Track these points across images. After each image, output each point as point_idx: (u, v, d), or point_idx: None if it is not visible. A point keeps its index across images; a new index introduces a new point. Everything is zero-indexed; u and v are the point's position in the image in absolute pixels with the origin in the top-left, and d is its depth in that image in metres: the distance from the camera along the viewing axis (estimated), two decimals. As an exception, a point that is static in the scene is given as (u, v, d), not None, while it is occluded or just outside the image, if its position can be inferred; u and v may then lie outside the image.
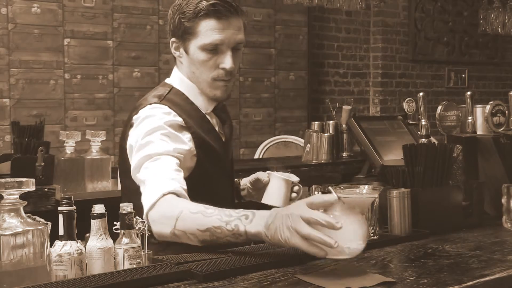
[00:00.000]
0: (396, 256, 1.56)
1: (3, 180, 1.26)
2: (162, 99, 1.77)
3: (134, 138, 1.70)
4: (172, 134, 1.68)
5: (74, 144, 2.82)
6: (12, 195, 1.26)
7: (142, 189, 1.61)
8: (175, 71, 1.87)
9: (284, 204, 1.77)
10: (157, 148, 1.64)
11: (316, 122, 3.86)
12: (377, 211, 1.66)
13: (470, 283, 1.32)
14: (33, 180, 1.29)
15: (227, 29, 1.75)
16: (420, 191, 1.82)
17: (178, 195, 1.55)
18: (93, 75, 4.43)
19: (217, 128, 1.86)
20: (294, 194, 1.84)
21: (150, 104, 1.75)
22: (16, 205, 1.26)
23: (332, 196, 1.38)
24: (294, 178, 1.85)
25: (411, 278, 1.34)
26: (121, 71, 4.51)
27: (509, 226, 1.88)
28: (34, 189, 1.31)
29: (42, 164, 2.70)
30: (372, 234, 1.66)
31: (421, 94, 2.38)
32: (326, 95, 5.66)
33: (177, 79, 1.86)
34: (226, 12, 1.74)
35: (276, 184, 1.82)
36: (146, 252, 1.46)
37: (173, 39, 1.84)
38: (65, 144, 2.84)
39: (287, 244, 1.34)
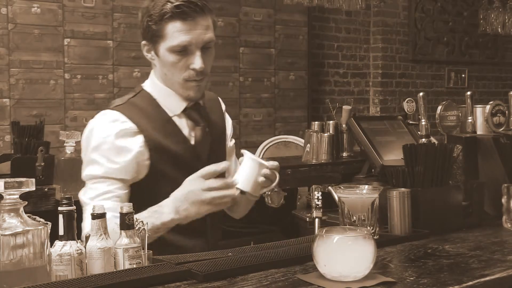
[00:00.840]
0: (396, 256, 1.56)
1: (3, 180, 1.26)
2: (120, 104, 1.80)
3: (83, 149, 1.79)
4: (114, 147, 1.72)
5: (74, 144, 2.82)
6: (12, 195, 1.26)
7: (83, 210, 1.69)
8: (151, 73, 1.89)
9: (251, 188, 1.70)
10: (96, 170, 1.72)
11: (316, 122, 3.86)
12: (377, 211, 1.66)
13: (470, 283, 1.32)
14: (33, 180, 1.29)
15: (194, 30, 1.75)
16: (420, 191, 1.82)
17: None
18: (93, 75, 4.43)
19: (185, 131, 1.83)
20: (261, 179, 1.71)
21: (103, 110, 1.80)
22: (16, 205, 1.25)
23: (221, 164, 1.68)
24: (269, 163, 1.75)
25: (411, 278, 1.34)
26: (121, 71, 4.51)
27: (509, 226, 1.88)
28: (34, 189, 1.31)
29: (42, 164, 2.70)
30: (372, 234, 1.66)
31: (421, 94, 2.38)
32: (326, 95, 5.66)
33: (150, 81, 1.88)
34: (192, 13, 1.74)
35: (246, 165, 1.72)
36: (146, 252, 1.46)
37: (143, 42, 1.84)
38: (65, 144, 2.84)
39: (201, 215, 1.65)
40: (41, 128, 2.98)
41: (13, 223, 1.24)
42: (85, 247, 1.37)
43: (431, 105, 4.30)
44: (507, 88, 6.14)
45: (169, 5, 1.73)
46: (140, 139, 1.75)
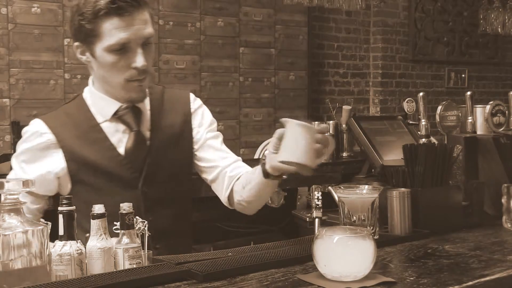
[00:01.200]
0: (396, 256, 1.56)
1: (3, 180, 1.26)
2: (50, 112, 1.78)
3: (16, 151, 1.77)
4: (30, 159, 1.72)
5: (74, 144, 2.82)
6: (12, 195, 1.26)
7: None
8: (90, 77, 1.80)
9: (304, 159, 1.44)
10: (12, 177, 1.70)
11: (316, 122, 3.85)
12: (377, 211, 1.66)
13: (470, 283, 1.32)
14: (33, 180, 1.29)
15: (132, 26, 1.61)
16: (420, 191, 1.81)
17: None
18: (93, 75, 4.42)
19: (115, 137, 1.73)
20: (316, 145, 1.48)
21: (35, 118, 1.77)
22: (16, 205, 1.25)
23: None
24: (321, 126, 1.53)
25: (411, 278, 1.34)
26: (121, 71, 4.51)
27: (509, 226, 1.88)
28: (34, 189, 1.31)
29: (42, 164, 2.70)
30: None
31: (421, 94, 2.38)
32: (326, 95, 5.66)
33: (89, 85, 1.80)
34: (128, 7, 1.60)
35: (292, 133, 1.47)
36: (146, 252, 1.46)
37: (76, 43, 1.69)
38: (65, 144, 2.83)
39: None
40: (41, 128, 2.97)
41: (13, 223, 1.24)
42: (85, 247, 1.37)
43: (431, 105, 4.30)
44: (507, 88, 6.14)
45: (102, 1, 1.59)
46: (57, 153, 1.71)
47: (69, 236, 1.33)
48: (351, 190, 1.66)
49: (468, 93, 2.39)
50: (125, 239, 1.39)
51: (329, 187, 2.03)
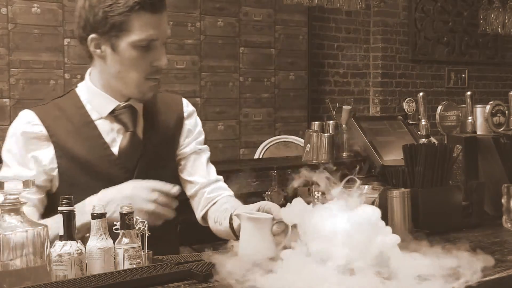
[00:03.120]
0: (396, 256, 1.56)
1: (3, 180, 1.26)
2: (41, 104, 1.72)
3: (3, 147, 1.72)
4: (24, 151, 1.66)
5: (74, 144, 2.82)
6: (12, 195, 1.26)
7: None
8: (86, 73, 1.76)
9: (260, 254, 1.36)
10: (7, 173, 1.65)
11: (316, 122, 3.86)
12: (377, 211, 1.66)
13: (470, 283, 1.32)
14: (33, 180, 1.29)
15: (160, 24, 1.63)
16: (420, 191, 1.82)
17: None
18: (93, 75, 4.42)
19: (109, 136, 1.70)
20: (271, 238, 1.41)
21: (24, 109, 1.72)
22: (16, 205, 1.25)
23: (175, 188, 1.58)
24: (274, 214, 1.45)
25: (411, 278, 1.34)
26: (121, 71, 4.51)
27: (509, 226, 1.88)
28: (34, 189, 1.31)
29: (42, 164, 2.70)
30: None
31: (421, 94, 2.38)
32: (326, 95, 5.66)
33: (84, 81, 1.76)
34: (159, 6, 1.62)
35: (245, 229, 1.42)
36: (146, 252, 1.46)
37: (93, 36, 1.64)
38: (65, 144, 2.83)
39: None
40: (41, 128, 2.98)
41: (13, 223, 1.24)
42: (85, 247, 1.37)
43: (431, 105, 4.30)
44: (507, 88, 6.14)
45: None
46: (49, 146, 1.66)
47: (69, 236, 1.33)
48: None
49: (468, 93, 2.39)
50: (125, 239, 1.39)
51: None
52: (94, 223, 1.37)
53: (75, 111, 1.70)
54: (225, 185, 1.87)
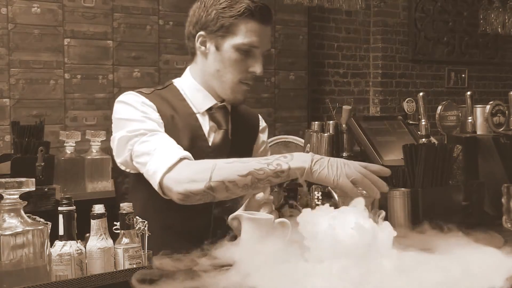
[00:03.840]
0: (396, 256, 1.55)
1: (3, 180, 1.26)
2: (144, 92, 1.76)
3: (115, 118, 1.73)
4: (156, 117, 1.70)
5: (74, 144, 2.83)
6: (12, 195, 1.26)
7: (146, 159, 1.60)
8: (187, 70, 1.86)
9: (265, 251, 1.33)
10: (148, 126, 1.66)
11: (316, 122, 3.85)
12: (377, 211, 1.66)
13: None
14: (33, 180, 1.29)
15: (263, 35, 1.76)
16: (420, 191, 1.81)
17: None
18: (93, 75, 4.43)
19: (205, 130, 1.80)
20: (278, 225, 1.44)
21: (129, 91, 1.76)
22: (16, 205, 1.26)
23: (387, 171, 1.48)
24: (273, 214, 1.51)
25: (411, 278, 1.34)
26: (121, 71, 4.51)
27: (509, 226, 1.88)
28: (34, 189, 1.31)
29: (42, 164, 2.71)
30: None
31: (421, 94, 2.38)
32: (326, 95, 5.66)
33: (183, 76, 1.85)
34: (266, 19, 1.76)
35: (246, 228, 1.43)
36: (146, 252, 1.46)
37: (201, 33, 1.78)
38: (65, 144, 2.84)
39: (333, 181, 1.42)
40: (41, 128, 2.98)
41: (13, 223, 1.24)
42: (85, 247, 1.37)
43: (431, 105, 4.30)
44: (507, 88, 6.14)
45: (251, 3, 1.73)
46: (160, 119, 1.72)
47: (69, 236, 1.33)
48: (351, 190, 1.66)
49: (468, 93, 2.39)
50: (125, 239, 1.39)
51: (329, 187, 2.02)
52: (94, 223, 1.37)
53: (178, 102, 1.79)
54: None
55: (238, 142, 1.87)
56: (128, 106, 1.72)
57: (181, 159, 1.55)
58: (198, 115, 1.80)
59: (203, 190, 1.48)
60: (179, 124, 1.75)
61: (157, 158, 1.58)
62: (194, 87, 1.81)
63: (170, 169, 1.53)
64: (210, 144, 1.79)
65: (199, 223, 1.70)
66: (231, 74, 1.76)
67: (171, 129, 1.72)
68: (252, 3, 1.73)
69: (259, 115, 2.06)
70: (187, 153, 1.59)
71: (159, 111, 1.73)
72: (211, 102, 1.81)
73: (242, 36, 1.73)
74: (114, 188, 1.90)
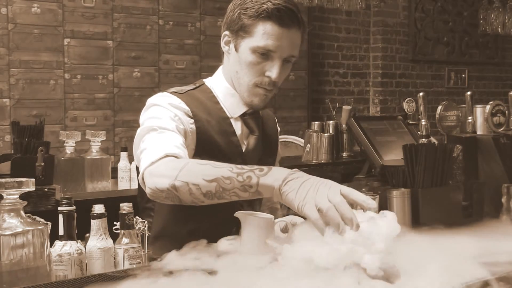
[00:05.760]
0: (396, 256, 1.55)
1: (3, 180, 1.26)
2: (178, 92, 1.72)
3: (141, 121, 1.67)
4: (177, 118, 1.64)
5: (74, 144, 2.83)
6: (12, 195, 1.26)
7: (142, 156, 1.55)
8: (218, 69, 1.83)
9: (265, 251, 1.33)
10: (163, 124, 1.61)
11: (316, 122, 3.87)
12: (377, 211, 1.66)
13: (470, 283, 1.32)
14: (33, 180, 1.29)
15: (282, 38, 1.66)
16: (420, 191, 1.81)
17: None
18: (93, 75, 4.43)
19: (238, 135, 1.76)
20: (271, 240, 1.38)
21: (161, 92, 1.72)
22: (16, 205, 1.25)
23: (372, 203, 1.26)
24: (277, 216, 1.51)
25: (411, 278, 1.34)
26: (121, 71, 4.51)
27: (509, 226, 1.88)
28: (34, 189, 1.31)
29: (42, 164, 2.71)
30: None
31: (421, 94, 2.38)
32: (326, 95, 5.66)
33: (215, 77, 1.82)
34: (288, 21, 1.66)
35: (246, 228, 1.40)
36: (146, 252, 1.46)
37: (226, 32, 1.74)
38: (65, 144, 2.84)
39: (297, 207, 1.24)
40: (41, 128, 2.98)
41: (13, 223, 1.24)
42: (85, 247, 1.37)
43: (431, 105, 4.30)
44: (507, 88, 6.14)
45: (269, 4, 1.64)
46: (192, 125, 1.67)
47: (69, 236, 1.33)
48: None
49: (468, 93, 2.39)
50: (125, 239, 1.39)
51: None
52: (94, 223, 1.37)
53: (212, 105, 1.75)
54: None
55: (267, 147, 1.86)
56: (160, 108, 1.67)
57: (166, 155, 1.49)
58: (231, 120, 1.76)
59: (167, 188, 1.41)
60: (215, 128, 1.71)
61: (147, 153, 1.54)
62: (228, 92, 1.77)
63: (152, 163, 1.48)
64: (243, 150, 1.76)
65: (225, 230, 1.65)
66: (247, 77, 1.71)
67: (206, 134, 1.69)
68: (270, 3, 1.64)
69: (274, 116, 2.05)
70: (176, 151, 1.52)
71: (193, 114, 1.68)
72: (243, 108, 1.77)
73: (258, 38, 1.66)
74: (138, 191, 1.78)
